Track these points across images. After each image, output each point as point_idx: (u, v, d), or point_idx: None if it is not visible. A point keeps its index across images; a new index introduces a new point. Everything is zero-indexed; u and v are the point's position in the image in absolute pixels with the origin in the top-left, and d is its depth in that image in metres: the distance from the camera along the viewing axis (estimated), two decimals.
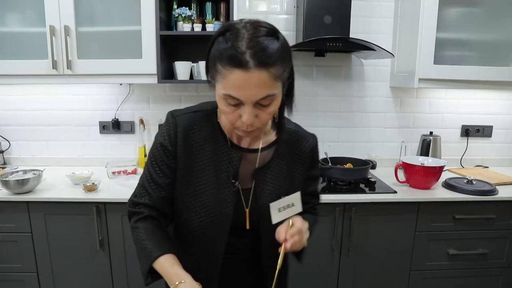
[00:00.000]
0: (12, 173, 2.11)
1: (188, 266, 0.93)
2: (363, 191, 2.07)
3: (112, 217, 1.98)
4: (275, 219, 0.97)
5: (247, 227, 1.04)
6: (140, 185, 1.04)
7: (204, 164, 1.00)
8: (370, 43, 2.00)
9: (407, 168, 2.11)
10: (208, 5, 2.21)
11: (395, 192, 2.04)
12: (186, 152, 0.99)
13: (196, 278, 0.90)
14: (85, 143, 2.59)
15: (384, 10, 2.44)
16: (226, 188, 1.00)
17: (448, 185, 2.13)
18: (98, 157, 2.56)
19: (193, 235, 1.04)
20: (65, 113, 2.56)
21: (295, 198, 0.99)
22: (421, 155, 2.39)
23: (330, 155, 2.32)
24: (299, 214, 1.00)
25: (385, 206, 2.01)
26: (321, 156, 2.28)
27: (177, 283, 0.87)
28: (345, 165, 2.25)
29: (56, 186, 2.12)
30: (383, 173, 2.38)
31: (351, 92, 2.55)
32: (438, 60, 2.16)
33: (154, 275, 0.95)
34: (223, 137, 1.01)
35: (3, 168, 2.43)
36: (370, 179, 2.15)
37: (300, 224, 0.96)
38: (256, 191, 1.03)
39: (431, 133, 2.48)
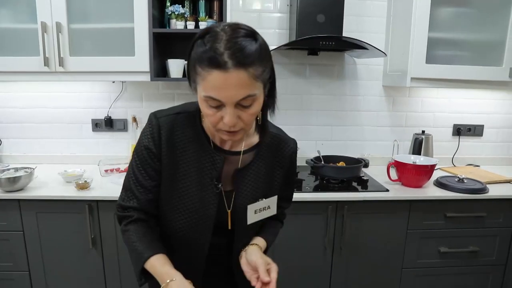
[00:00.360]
0: (3, 171, 2.09)
1: (173, 265, 0.94)
2: (355, 189, 2.08)
3: (104, 215, 1.98)
4: (250, 220, 1.01)
5: (229, 227, 1.05)
6: (127, 188, 1.03)
7: (188, 166, 1.00)
8: (363, 42, 2.01)
9: (399, 166, 2.12)
10: (202, 3, 2.20)
11: (387, 190, 2.05)
12: (170, 153, 0.99)
13: (183, 261, 0.96)
14: (77, 141, 2.57)
15: (377, 10, 2.46)
16: (210, 190, 1.01)
17: (439, 184, 2.15)
18: (90, 155, 2.55)
19: (177, 235, 1.05)
20: (57, 110, 2.54)
21: (272, 202, 1.04)
22: (413, 153, 2.41)
23: (323, 153, 2.32)
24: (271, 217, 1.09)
25: (378, 204, 2.02)
26: (314, 154, 2.31)
27: (168, 281, 0.88)
28: (337, 164, 2.26)
29: (48, 184, 2.10)
30: (375, 172, 2.39)
31: (344, 90, 2.56)
32: (430, 59, 2.17)
33: (147, 275, 0.95)
34: (206, 139, 1.01)
35: None
36: (362, 177, 2.16)
37: (275, 267, 0.99)
38: (235, 192, 1.04)
39: (423, 132, 2.50)
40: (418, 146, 2.42)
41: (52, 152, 2.58)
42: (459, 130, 2.64)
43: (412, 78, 2.17)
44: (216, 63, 0.79)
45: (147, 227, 1.01)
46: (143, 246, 0.96)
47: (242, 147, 1.03)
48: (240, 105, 0.84)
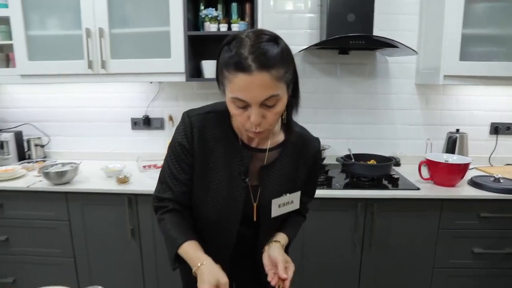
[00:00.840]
0: (52, 165, 2.27)
1: (207, 240, 1.05)
2: (385, 187, 2.08)
3: (142, 208, 2.10)
4: (274, 213, 1.08)
5: (255, 219, 1.12)
6: (162, 181, 1.12)
7: (217, 161, 1.07)
8: (393, 40, 2.01)
9: (431, 165, 2.10)
10: (234, 6, 2.27)
11: (418, 189, 2.04)
12: (201, 150, 1.07)
13: (214, 249, 1.03)
14: (117, 139, 2.73)
15: (410, 7, 2.43)
16: (237, 185, 1.08)
17: (473, 183, 2.10)
18: (129, 151, 2.70)
19: (208, 226, 1.13)
20: (99, 110, 2.71)
21: (295, 197, 1.10)
22: (446, 152, 2.37)
23: (355, 151, 2.34)
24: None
25: (408, 203, 2.01)
26: (345, 152, 2.32)
27: (199, 264, 0.96)
28: (368, 162, 2.26)
29: (91, 178, 2.26)
30: (407, 170, 2.37)
31: (376, 89, 2.55)
32: (464, 56, 2.13)
33: (180, 260, 1.04)
34: (235, 137, 1.08)
35: (43, 161, 2.61)
36: (393, 175, 2.15)
37: (292, 267, 1.06)
38: (261, 187, 1.10)
39: (457, 130, 2.45)
40: (452, 144, 2.37)
41: (94, 149, 2.76)
42: (496, 129, 2.56)
43: (445, 76, 2.14)
44: (241, 67, 0.86)
45: (181, 217, 1.10)
46: (177, 233, 1.04)
47: (268, 145, 1.09)
48: (264, 105, 0.90)
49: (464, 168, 2.06)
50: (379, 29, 2.34)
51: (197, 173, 1.09)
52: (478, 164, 2.50)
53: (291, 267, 1.05)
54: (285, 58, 0.91)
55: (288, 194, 1.09)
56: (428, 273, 2.10)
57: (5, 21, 2.26)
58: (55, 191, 2.13)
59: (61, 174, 2.12)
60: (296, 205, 1.11)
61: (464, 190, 2.05)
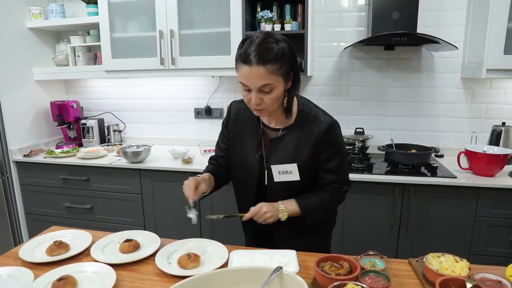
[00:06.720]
0: (129, 147, 2.68)
1: (237, 195, 1.54)
2: (423, 175, 2.22)
3: None
4: (276, 178, 1.37)
5: (265, 183, 1.41)
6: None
7: (243, 137, 1.44)
8: (433, 36, 2.13)
9: (470, 155, 2.19)
10: (287, 7, 2.51)
11: (455, 177, 2.15)
12: (234, 128, 1.46)
13: (242, 203, 1.51)
14: (182, 126, 3.11)
15: (457, 2, 2.50)
16: (253, 154, 1.41)
17: None
18: (193, 138, 3.07)
19: (236, 184, 1.53)
20: (167, 101, 3.10)
21: (293, 167, 1.35)
22: (490, 145, 2.42)
23: (398, 142, 2.50)
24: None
25: (444, 190, 2.13)
26: (387, 142, 2.48)
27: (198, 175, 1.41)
28: (409, 151, 2.40)
29: (161, 159, 2.64)
30: (448, 161, 2.46)
31: (421, 83, 2.66)
32: (509, 50, 2.18)
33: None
34: (257, 119, 1.41)
35: (120, 144, 3.05)
36: (432, 164, 2.27)
37: (256, 208, 1.33)
38: (266, 156, 1.39)
39: (503, 123, 2.49)
40: (496, 137, 2.42)
41: (162, 135, 3.16)
42: None
43: (488, 70, 2.21)
44: (245, 60, 1.17)
45: (213, 166, 1.54)
46: (204, 171, 1.50)
47: (281, 125, 1.37)
48: (261, 90, 1.20)
49: (503, 158, 2.12)
50: (424, 26, 2.46)
51: (230, 144, 1.48)
52: None
53: (257, 207, 1.33)
54: (280, 56, 1.17)
55: (285, 164, 1.35)
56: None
57: (95, 25, 2.71)
58: (131, 168, 2.53)
59: (137, 154, 2.52)
60: (295, 176, 1.35)
61: (502, 180, 2.11)
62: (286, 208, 1.35)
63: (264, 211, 1.31)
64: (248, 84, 1.19)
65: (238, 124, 1.45)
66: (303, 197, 1.40)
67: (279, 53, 1.17)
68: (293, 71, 1.24)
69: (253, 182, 1.42)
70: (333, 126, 1.33)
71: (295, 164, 1.34)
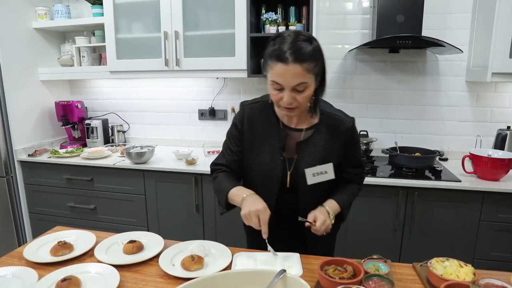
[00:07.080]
0: (132, 147, 2.69)
1: None
2: (427, 178, 2.21)
3: (206, 187, 2.43)
4: (309, 181, 1.33)
5: (287, 185, 1.37)
6: (220, 154, 1.48)
7: (261, 139, 1.37)
8: (438, 40, 2.13)
9: (475, 159, 2.18)
10: (292, 9, 2.51)
11: (459, 181, 2.14)
12: (250, 130, 1.38)
13: None
14: (186, 127, 3.12)
15: (462, 5, 2.50)
16: (276, 157, 1.35)
17: None
18: (196, 139, 3.07)
19: (254, 186, 1.38)
20: (171, 102, 3.11)
21: (328, 167, 1.33)
22: (495, 149, 2.41)
23: (402, 145, 2.49)
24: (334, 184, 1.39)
25: (448, 193, 2.12)
26: (391, 145, 2.47)
27: (244, 195, 1.27)
28: (413, 154, 2.39)
29: (164, 160, 2.65)
30: (452, 165, 2.46)
31: (425, 86, 2.65)
32: None
33: (229, 206, 1.37)
34: (276, 120, 1.36)
35: (124, 145, 3.06)
36: (436, 167, 2.27)
37: (321, 218, 1.29)
38: (297, 159, 1.35)
39: (508, 127, 2.48)
40: (501, 141, 2.41)
41: (166, 136, 3.17)
42: None
43: (493, 73, 2.20)
44: (280, 58, 1.14)
45: (230, 174, 1.42)
46: (227, 183, 1.37)
47: (304, 125, 1.35)
48: (295, 89, 1.18)
49: (508, 163, 2.11)
50: (429, 29, 2.45)
51: (246, 147, 1.40)
52: None
53: (320, 216, 1.28)
54: (315, 55, 1.17)
55: (320, 165, 1.33)
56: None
57: (100, 26, 2.72)
58: (135, 168, 2.53)
59: (141, 154, 2.53)
60: (330, 175, 1.34)
61: (507, 185, 2.10)
62: (332, 211, 1.35)
63: (328, 222, 1.30)
64: (283, 83, 1.17)
65: (254, 126, 1.38)
66: (337, 194, 1.41)
67: (315, 52, 1.17)
68: (323, 70, 1.24)
69: (275, 185, 1.37)
70: (355, 122, 1.40)
71: (331, 164, 1.34)
